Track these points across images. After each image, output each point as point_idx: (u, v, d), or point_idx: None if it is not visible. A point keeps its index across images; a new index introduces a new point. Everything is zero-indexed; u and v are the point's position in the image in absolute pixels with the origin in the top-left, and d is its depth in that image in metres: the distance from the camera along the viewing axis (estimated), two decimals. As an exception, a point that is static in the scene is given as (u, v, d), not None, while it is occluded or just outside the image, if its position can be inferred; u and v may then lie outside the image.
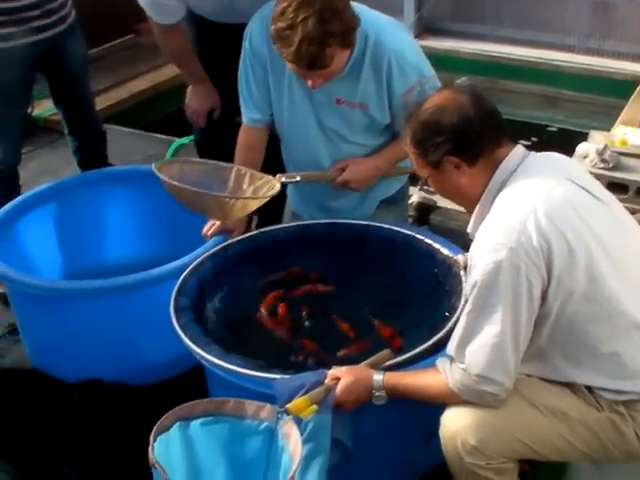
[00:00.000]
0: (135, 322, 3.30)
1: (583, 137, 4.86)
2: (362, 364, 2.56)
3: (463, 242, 3.23)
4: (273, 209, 3.99)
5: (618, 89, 6.42)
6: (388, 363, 2.55)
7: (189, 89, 3.97)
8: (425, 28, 7.53)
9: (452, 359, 2.32)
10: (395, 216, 3.53)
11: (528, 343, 2.25)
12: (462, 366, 2.27)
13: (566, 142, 6.08)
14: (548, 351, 2.31)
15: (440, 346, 2.57)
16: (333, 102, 3.18)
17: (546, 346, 2.30)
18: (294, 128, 3.32)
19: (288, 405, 2.31)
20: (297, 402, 2.33)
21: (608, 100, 6.54)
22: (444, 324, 2.68)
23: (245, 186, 3.22)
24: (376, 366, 2.55)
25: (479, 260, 2.21)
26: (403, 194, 3.64)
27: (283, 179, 3.18)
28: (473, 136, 2.31)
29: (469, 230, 2.47)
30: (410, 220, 4.17)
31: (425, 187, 2.39)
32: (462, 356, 2.27)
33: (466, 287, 2.32)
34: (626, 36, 6.84)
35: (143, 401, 3.31)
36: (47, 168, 5.47)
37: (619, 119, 5.29)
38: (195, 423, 2.29)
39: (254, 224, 4.13)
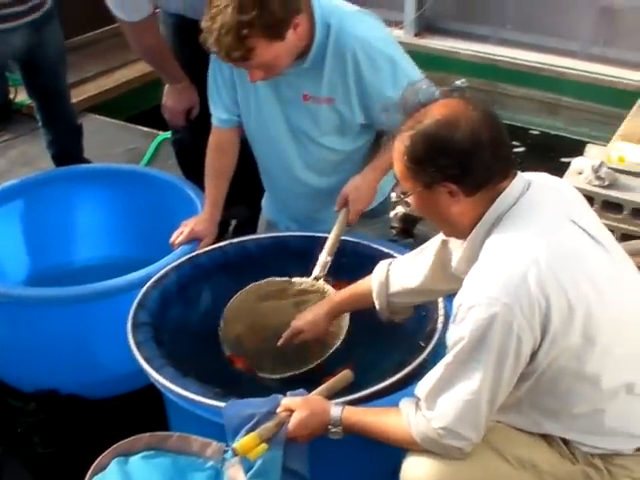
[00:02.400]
0: (93, 333, 3.14)
1: (582, 145, 4.71)
2: (319, 389, 2.40)
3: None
4: (253, 214, 3.86)
5: (619, 99, 6.26)
6: (349, 398, 2.36)
7: (166, 87, 3.82)
8: (426, 27, 7.35)
9: (418, 404, 2.14)
10: (376, 230, 3.36)
11: None
12: (429, 415, 2.08)
13: (563, 150, 5.98)
14: (524, 403, 2.14)
15: (409, 380, 2.41)
16: (300, 98, 3.00)
17: (523, 398, 2.12)
18: (262, 129, 3.15)
19: (235, 445, 2.14)
20: (245, 441, 2.15)
21: (609, 109, 6.38)
22: (415, 357, 2.51)
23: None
24: (335, 390, 2.40)
25: (469, 313, 1.99)
26: (386, 207, 3.47)
27: (321, 276, 2.94)
28: (482, 166, 2.04)
29: (454, 265, 2.26)
30: (394, 232, 4.02)
31: (403, 198, 2.16)
32: (432, 404, 2.09)
33: (449, 335, 2.11)
34: (631, 44, 6.66)
35: (100, 415, 3.17)
36: (26, 157, 5.34)
37: (617, 133, 5.11)
38: (135, 457, 2.14)
39: (231, 228, 4.02)
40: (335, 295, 2.78)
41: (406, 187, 2.17)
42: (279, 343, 2.80)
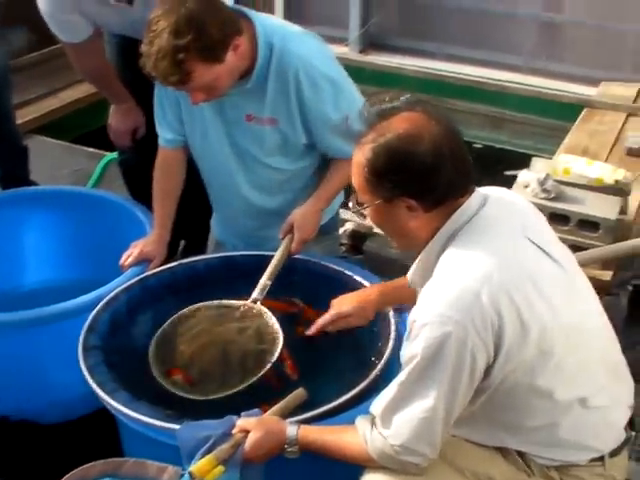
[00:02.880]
0: (44, 357, 3.10)
1: (526, 158, 4.76)
2: (274, 409, 2.37)
3: (399, 271, 3.09)
4: (202, 233, 3.85)
5: (563, 111, 6.37)
6: (304, 416, 2.36)
7: (111, 108, 3.81)
8: (370, 43, 7.42)
9: (374, 421, 2.13)
10: (326, 247, 3.37)
11: None
12: (385, 433, 2.08)
13: (508, 163, 6.05)
14: (479, 417, 2.14)
15: (363, 396, 2.42)
16: (243, 119, 3.00)
17: (479, 412, 2.13)
18: (207, 149, 3.15)
19: (192, 468, 2.12)
20: (202, 464, 2.13)
21: (553, 122, 6.48)
22: (367, 373, 2.52)
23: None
24: (289, 410, 2.38)
25: (423, 331, 1.98)
26: (335, 224, 3.49)
27: (259, 299, 2.89)
28: (443, 183, 2.03)
29: (409, 278, 2.28)
30: (343, 249, 4.03)
31: (358, 209, 2.12)
32: (388, 422, 2.08)
33: (403, 351, 2.09)
34: (572, 58, 6.78)
35: (53, 440, 3.12)
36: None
37: (562, 145, 5.20)
38: (90, 486, 2.11)
39: (180, 249, 4.00)
40: (380, 286, 2.69)
41: (364, 199, 2.15)
42: (309, 332, 2.71)
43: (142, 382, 2.68)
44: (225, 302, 2.92)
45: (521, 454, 2.15)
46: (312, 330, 2.71)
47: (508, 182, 4.26)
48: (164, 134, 3.22)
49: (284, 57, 2.84)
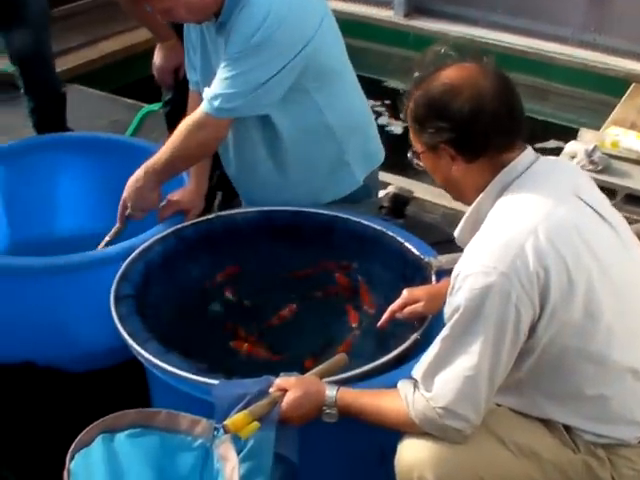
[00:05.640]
0: (72, 304, 3.01)
1: (570, 132, 4.66)
2: (314, 371, 2.30)
3: (436, 237, 3.02)
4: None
5: (610, 86, 6.24)
6: (341, 376, 2.28)
7: (157, 47, 3.81)
8: (415, 7, 7.28)
9: (416, 384, 2.05)
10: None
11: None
12: (427, 395, 2.01)
13: (552, 136, 5.94)
14: (526, 385, 2.06)
15: (401, 360, 2.36)
16: None
17: (525, 379, 2.05)
18: None
19: (226, 422, 2.04)
20: (236, 418, 2.05)
21: (598, 97, 6.35)
22: (407, 336, 2.44)
23: None
24: (329, 373, 2.29)
25: (465, 282, 1.93)
26: (367, 191, 3.26)
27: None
28: (479, 135, 2.03)
29: (456, 235, 2.20)
30: (384, 212, 3.94)
31: (413, 158, 2.15)
32: (430, 384, 2.01)
33: (446, 308, 2.03)
34: (621, 32, 6.61)
35: (79, 389, 3.04)
36: (7, 126, 5.11)
37: (610, 118, 5.07)
38: (120, 435, 2.04)
39: (217, 202, 3.92)
40: None
41: (416, 147, 2.17)
42: (380, 322, 2.61)
43: (174, 335, 2.62)
44: None
45: (567, 428, 2.07)
46: (383, 320, 2.60)
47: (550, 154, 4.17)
48: (192, 76, 3.17)
49: None
